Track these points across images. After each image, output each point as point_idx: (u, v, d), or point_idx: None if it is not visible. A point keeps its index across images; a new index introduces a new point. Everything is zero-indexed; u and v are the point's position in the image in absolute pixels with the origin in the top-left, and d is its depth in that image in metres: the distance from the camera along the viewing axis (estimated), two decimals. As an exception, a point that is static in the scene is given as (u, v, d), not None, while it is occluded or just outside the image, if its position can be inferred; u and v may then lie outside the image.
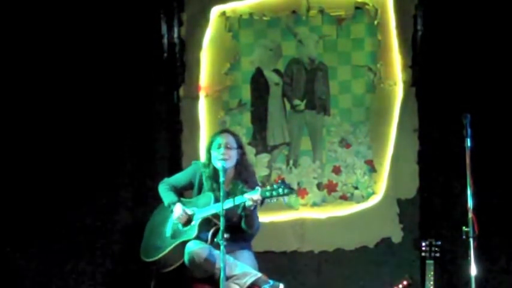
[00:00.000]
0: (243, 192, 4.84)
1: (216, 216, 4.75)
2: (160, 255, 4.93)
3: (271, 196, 4.73)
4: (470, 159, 4.59)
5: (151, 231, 5.14)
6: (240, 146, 5.04)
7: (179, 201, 5.04)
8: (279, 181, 4.82)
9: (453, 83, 5.80)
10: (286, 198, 4.79)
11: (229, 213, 4.72)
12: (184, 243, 4.85)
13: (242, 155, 5.05)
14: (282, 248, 6.00)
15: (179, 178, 5.20)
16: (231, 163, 4.95)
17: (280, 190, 4.72)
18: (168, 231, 5.01)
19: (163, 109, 6.10)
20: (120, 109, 6.01)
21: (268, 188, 4.75)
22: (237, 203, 4.74)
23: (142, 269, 5.15)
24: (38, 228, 5.87)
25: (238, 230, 4.90)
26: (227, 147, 4.94)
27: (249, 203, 4.72)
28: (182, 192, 5.23)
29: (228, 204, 4.73)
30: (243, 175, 5.02)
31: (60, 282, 5.88)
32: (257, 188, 4.74)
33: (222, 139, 4.97)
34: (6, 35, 5.90)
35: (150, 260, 4.99)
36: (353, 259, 5.96)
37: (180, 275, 4.90)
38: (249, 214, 4.82)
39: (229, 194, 4.90)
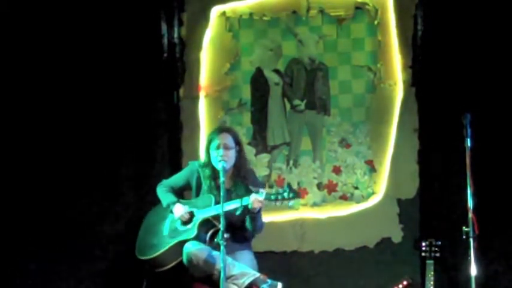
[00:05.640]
0: (245, 190, 4.84)
1: (216, 217, 4.75)
2: (157, 253, 4.91)
3: (276, 200, 4.75)
4: (470, 159, 4.59)
5: (146, 230, 5.11)
6: (237, 143, 5.03)
7: (178, 201, 5.03)
8: (286, 185, 4.84)
9: (453, 83, 5.80)
10: (291, 202, 4.79)
11: (229, 214, 4.72)
12: (181, 242, 4.84)
13: (240, 152, 5.04)
14: (282, 248, 6.00)
15: (176, 179, 5.18)
16: (230, 163, 4.95)
17: (286, 194, 4.74)
18: (166, 230, 4.99)
19: (163, 109, 6.10)
20: (120, 109, 6.01)
21: (274, 191, 4.77)
22: (244, 203, 4.74)
23: (138, 268, 5.14)
24: (37, 227, 5.87)
25: (238, 230, 4.91)
26: (226, 148, 4.93)
27: (252, 206, 4.71)
28: (182, 194, 5.22)
29: (234, 204, 4.74)
30: (242, 172, 5.02)
31: (57, 281, 5.88)
32: (262, 191, 4.73)
33: (220, 139, 4.95)
34: (6, 35, 5.90)
35: (146, 258, 4.96)
36: (353, 259, 5.96)
37: (175, 275, 4.89)
38: (253, 216, 4.83)
39: (230, 192, 4.91)
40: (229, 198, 4.82)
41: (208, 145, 5.02)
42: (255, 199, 4.69)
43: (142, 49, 6.02)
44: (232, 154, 4.96)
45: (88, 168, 5.97)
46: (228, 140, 4.97)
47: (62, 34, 5.95)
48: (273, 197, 4.75)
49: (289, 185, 4.83)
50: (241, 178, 4.99)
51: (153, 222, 5.12)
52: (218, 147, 4.93)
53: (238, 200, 4.75)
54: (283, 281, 4.76)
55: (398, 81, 6.00)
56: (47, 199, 5.90)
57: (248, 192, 4.78)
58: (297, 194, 4.82)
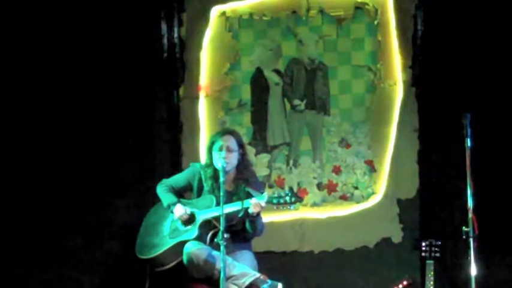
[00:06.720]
0: (246, 193, 4.84)
1: (217, 218, 4.74)
2: (157, 253, 4.90)
3: (278, 203, 4.75)
4: (470, 159, 4.59)
5: (147, 229, 5.11)
6: (241, 146, 5.03)
7: (179, 201, 5.02)
8: (288, 189, 4.83)
9: (453, 83, 5.80)
10: (292, 206, 4.79)
11: (230, 215, 4.73)
12: (182, 243, 4.84)
13: (243, 155, 5.04)
14: (282, 248, 6.00)
15: (178, 179, 5.17)
16: (232, 165, 4.95)
17: (288, 198, 4.74)
18: (166, 230, 4.99)
19: (164, 109, 6.09)
20: (120, 109, 6.01)
21: (275, 195, 4.76)
22: (245, 206, 4.74)
23: (139, 269, 5.13)
24: (36, 227, 5.87)
25: (238, 230, 4.91)
26: (229, 150, 4.93)
27: (252, 210, 4.72)
28: (182, 194, 5.22)
29: (235, 207, 4.75)
30: (244, 174, 5.02)
31: (57, 281, 5.88)
32: (264, 194, 4.74)
33: (224, 141, 4.95)
34: (6, 35, 5.90)
35: (146, 257, 4.95)
36: (353, 259, 5.96)
37: (176, 275, 4.89)
38: (253, 220, 4.83)
39: (232, 195, 4.91)
40: (230, 200, 4.83)
41: (210, 146, 5.02)
42: (255, 203, 4.70)
43: (142, 49, 6.02)
44: (234, 156, 4.95)
45: (88, 168, 5.97)
46: (231, 142, 4.97)
47: (62, 34, 5.95)
48: (275, 201, 4.74)
49: (291, 189, 4.82)
50: (244, 181, 4.98)
51: (153, 222, 5.12)
52: (221, 149, 4.93)
53: (239, 203, 4.76)
54: (283, 281, 4.76)
55: (398, 81, 6.00)
56: (47, 198, 5.90)
57: (250, 196, 4.79)
58: (300, 199, 4.81)
